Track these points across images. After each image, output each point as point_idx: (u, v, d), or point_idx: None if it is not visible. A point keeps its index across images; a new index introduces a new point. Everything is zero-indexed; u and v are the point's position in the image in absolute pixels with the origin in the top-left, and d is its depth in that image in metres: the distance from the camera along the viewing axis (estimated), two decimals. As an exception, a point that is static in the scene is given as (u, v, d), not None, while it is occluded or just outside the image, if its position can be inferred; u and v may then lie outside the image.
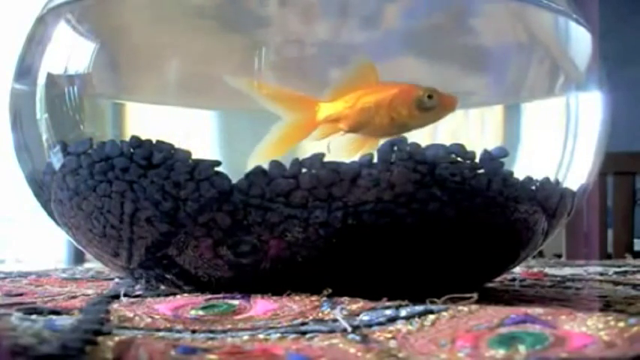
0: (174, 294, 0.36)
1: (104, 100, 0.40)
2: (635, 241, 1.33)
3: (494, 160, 0.35)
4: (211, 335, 0.27)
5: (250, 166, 0.34)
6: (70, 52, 0.39)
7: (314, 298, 0.32)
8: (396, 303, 0.30)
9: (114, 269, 0.43)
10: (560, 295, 0.41)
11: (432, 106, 0.35)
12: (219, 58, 0.38)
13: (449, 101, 0.35)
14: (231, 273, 0.36)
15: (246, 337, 0.26)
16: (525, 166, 0.37)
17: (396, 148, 0.34)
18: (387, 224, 0.34)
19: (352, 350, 0.24)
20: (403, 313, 0.29)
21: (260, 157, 0.34)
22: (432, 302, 0.30)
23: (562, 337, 0.24)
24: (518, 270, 0.56)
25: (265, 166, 0.34)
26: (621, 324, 0.24)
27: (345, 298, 0.32)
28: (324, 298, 0.32)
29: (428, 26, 0.39)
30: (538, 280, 0.51)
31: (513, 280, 0.50)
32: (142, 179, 0.35)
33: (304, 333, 0.27)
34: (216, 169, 0.34)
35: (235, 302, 0.33)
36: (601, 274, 0.57)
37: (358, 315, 0.29)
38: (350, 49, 0.38)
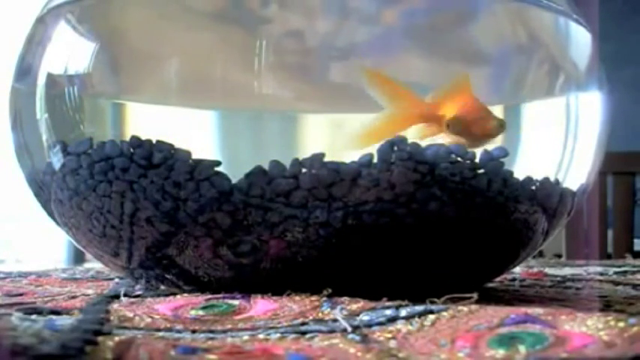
0: (174, 294, 0.36)
1: (104, 100, 0.40)
2: (635, 241, 1.33)
3: (495, 160, 0.35)
4: (211, 335, 0.27)
5: (351, 150, 0.35)
6: (70, 52, 0.39)
7: (314, 298, 0.32)
8: (396, 303, 0.30)
9: (114, 269, 0.42)
10: (560, 295, 0.41)
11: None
12: (219, 58, 0.38)
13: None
14: (231, 273, 0.36)
15: (246, 337, 0.26)
16: (525, 166, 0.37)
17: (396, 148, 0.34)
18: (387, 224, 0.34)
19: (352, 350, 0.24)
20: (403, 313, 0.29)
21: (360, 143, 0.35)
22: (432, 302, 0.30)
23: (562, 337, 0.24)
24: (518, 270, 0.56)
25: (265, 165, 0.34)
26: (621, 324, 0.24)
27: (345, 298, 0.32)
28: (324, 298, 0.32)
29: (427, 26, 0.39)
30: (538, 280, 0.51)
31: (513, 280, 0.50)
32: (142, 179, 0.35)
33: (304, 333, 0.27)
34: (216, 169, 0.34)
35: (235, 302, 0.33)
36: (601, 274, 0.56)
37: (358, 315, 0.29)
38: (349, 47, 0.38)
